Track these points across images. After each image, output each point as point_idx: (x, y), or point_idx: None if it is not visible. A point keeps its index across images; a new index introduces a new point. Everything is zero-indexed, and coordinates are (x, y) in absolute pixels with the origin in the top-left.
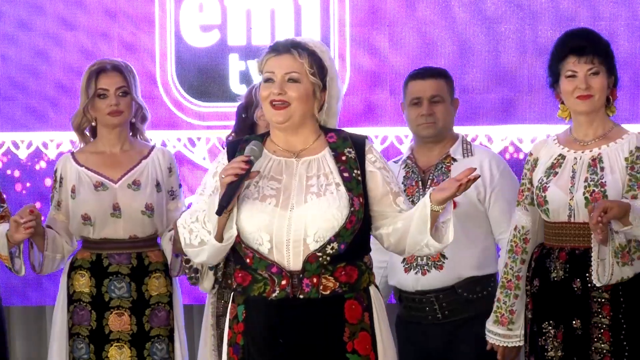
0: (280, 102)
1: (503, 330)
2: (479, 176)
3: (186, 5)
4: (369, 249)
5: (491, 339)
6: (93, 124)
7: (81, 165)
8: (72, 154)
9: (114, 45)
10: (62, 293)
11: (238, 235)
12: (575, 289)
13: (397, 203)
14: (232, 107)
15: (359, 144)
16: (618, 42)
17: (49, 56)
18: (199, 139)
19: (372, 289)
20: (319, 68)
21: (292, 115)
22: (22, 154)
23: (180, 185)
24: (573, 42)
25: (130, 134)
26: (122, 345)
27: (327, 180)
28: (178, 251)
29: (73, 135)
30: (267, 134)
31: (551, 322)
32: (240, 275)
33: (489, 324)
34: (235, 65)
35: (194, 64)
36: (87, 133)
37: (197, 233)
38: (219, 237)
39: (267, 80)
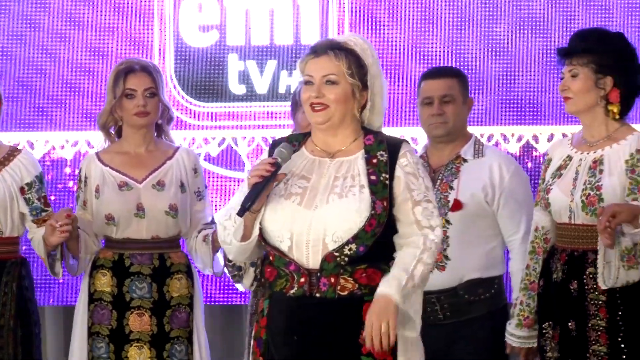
0: (319, 104)
1: (528, 332)
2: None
3: (185, 5)
4: (394, 253)
5: (514, 342)
6: (120, 123)
7: (106, 165)
8: (97, 153)
9: (113, 45)
10: (83, 292)
11: (261, 233)
12: (572, 290)
13: (414, 212)
14: (231, 107)
15: (394, 148)
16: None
17: (51, 56)
18: (197, 139)
19: None
20: (358, 67)
21: (331, 116)
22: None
23: (206, 186)
24: (567, 45)
25: (155, 134)
26: (142, 346)
27: (353, 182)
28: (217, 250)
29: (81, 135)
30: (309, 133)
31: (550, 322)
32: (268, 270)
33: (511, 328)
34: (234, 65)
35: (193, 64)
36: (112, 132)
37: (229, 230)
38: (247, 236)
39: (307, 82)
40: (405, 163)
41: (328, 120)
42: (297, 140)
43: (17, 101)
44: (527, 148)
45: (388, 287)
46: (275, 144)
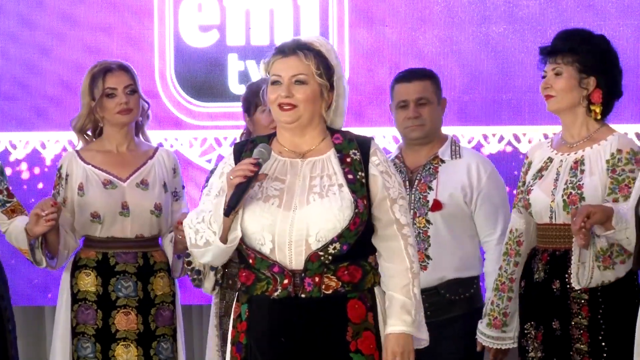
0: (288, 104)
1: (496, 333)
2: None
3: (185, 5)
4: (374, 249)
5: (484, 341)
6: (100, 124)
7: (87, 163)
8: (77, 151)
9: (113, 45)
10: (64, 292)
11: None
12: (555, 289)
13: (393, 211)
14: (231, 107)
15: (365, 146)
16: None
17: (48, 55)
18: (196, 138)
19: (377, 289)
20: (326, 68)
21: (300, 116)
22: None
23: (183, 187)
24: (551, 44)
25: (134, 133)
26: (128, 344)
27: (330, 181)
28: (179, 252)
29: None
30: (274, 134)
31: (532, 322)
32: (244, 274)
33: (482, 326)
34: (234, 65)
35: (193, 64)
36: (89, 134)
37: (203, 234)
38: (224, 238)
39: (274, 82)
40: (377, 162)
41: (297, 120)
42: (261, 142)
43: (14, 100)
44: (525, 148)
45: (402, 323)
46: (238, 146)
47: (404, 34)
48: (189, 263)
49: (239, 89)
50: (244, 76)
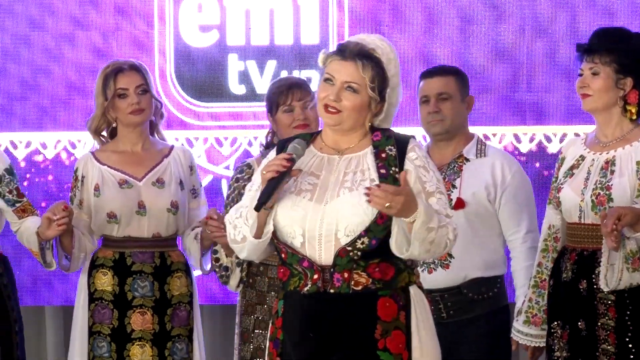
0: (334, 108)
1: (536, 330)
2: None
3: (185, 5)
4: None
5: (520, 339)
6: (114, 125)
7: (103, 164)
8: (92, 153)
9: (113, 45)
10: (82, 292)
11: (274, 231)
12: (582, 289)
13: (429, 203)
14: (231, 107)
15: (403, 143)
16: None
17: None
18: (196, 138)
19: (412, 288)
20: (381, 80)
21: (342, 122)
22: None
23: (201, 184)
24: (588, 42)
25: (149, 132)
26: (144, 344)
27: (363, 176)
28: (205, 248)
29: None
30: (320, 132)
31: (559, 322)
32: (281, 270)
33: (518, 324)
34: (234, 65)
35: (193, 64)
36: (105, 134)
37: (240, 229)
38: (259, 234)
39: (327, 80)
40: (414, 157)
41: (338, 125)
42: (305, 138)
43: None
44: (536, 149)
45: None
46: (282, 142)
47: (405, 34)
48: (217, 260)
49: (239, 89)
50: (244, 76)
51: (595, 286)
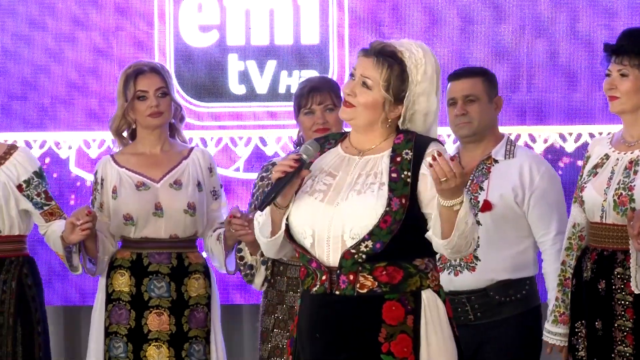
0: (348, 102)
1: (564, 329)
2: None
3: (185, 5)
4: (426, 252)
5: (551, 339)
6: (133, 126)
7: (121, 167)
8: (112, 155)
9: (113, 45)
10: (100, 292)
11: (288, 230)
12: (600, 290)
13: None
14: (231, 107)
15: (421, 146)
16: None
17: (55, 56)
18: (201, 139)
19: (425, 293)
20: (399, 82)
21: (355, 117)
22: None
23: (221, 185)
24: (616, 42)
25: (168, 134)
26: (160, 345)
27: (375, 179)
28: (229, 248)
29: (83, 135)
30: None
31: (582, 321)
32: (302, 269)
33: (548, 325)
34: (234, 65)
35: (193, 64)
36: (126, 135)
37: (264, 227)
38: (275, 232)
39: (351, 75)
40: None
41: (351, 119)
42: (335, 138)
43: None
44: (536, 149)
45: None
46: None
47: (405, 34)
48: (242, 258)
49: (239, 89)
50: (244, 76)
51: (613, 287)
